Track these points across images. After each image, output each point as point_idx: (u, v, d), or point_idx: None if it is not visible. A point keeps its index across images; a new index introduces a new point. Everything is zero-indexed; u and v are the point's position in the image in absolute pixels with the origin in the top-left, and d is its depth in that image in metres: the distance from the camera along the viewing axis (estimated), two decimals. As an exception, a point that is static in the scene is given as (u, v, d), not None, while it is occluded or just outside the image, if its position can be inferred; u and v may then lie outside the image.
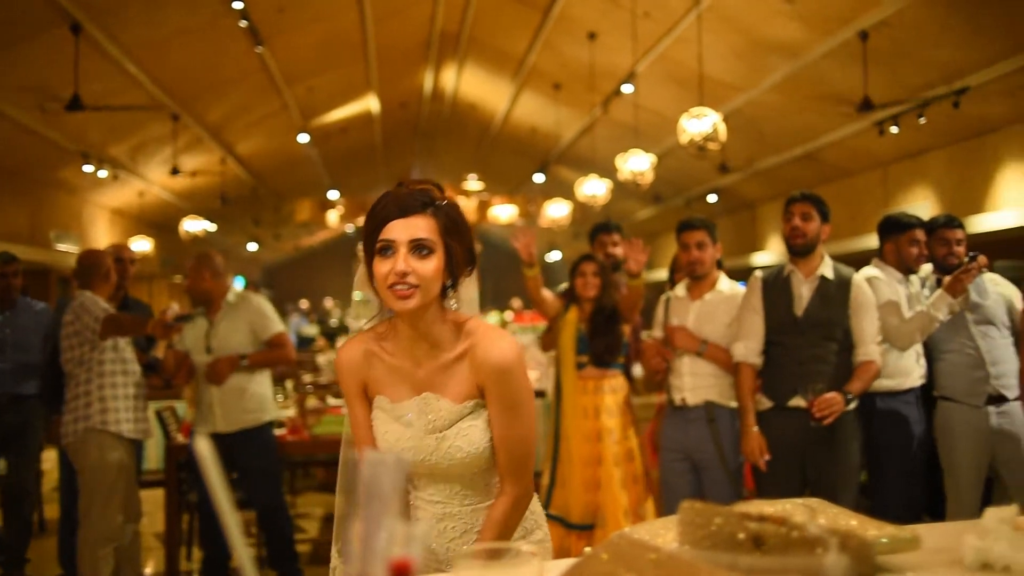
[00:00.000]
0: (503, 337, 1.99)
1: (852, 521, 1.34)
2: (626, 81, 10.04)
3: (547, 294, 5.15)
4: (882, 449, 4.59)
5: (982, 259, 4.41)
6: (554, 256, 22.08)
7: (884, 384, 4.53)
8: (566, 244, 21.25)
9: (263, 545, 5.43)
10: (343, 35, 10.57)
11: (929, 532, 1.44)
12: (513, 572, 0.87)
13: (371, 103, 13.86)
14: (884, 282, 4.55)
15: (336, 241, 26.73)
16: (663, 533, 1.27)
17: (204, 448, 0.81)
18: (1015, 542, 1.23)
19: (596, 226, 5.69)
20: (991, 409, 4.52)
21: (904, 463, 4.57)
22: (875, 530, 1.29)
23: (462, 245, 1.93)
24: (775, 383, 4.19)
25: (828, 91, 9.18)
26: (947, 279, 4.39)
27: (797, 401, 4.01)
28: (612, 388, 4.98)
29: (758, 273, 4.42)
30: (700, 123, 7.22)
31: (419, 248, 1.86)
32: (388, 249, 1.87)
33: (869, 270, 4.65)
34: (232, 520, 0.82)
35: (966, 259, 4.50)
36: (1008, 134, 8.83)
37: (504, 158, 17.94)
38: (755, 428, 4.17)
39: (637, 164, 9.11)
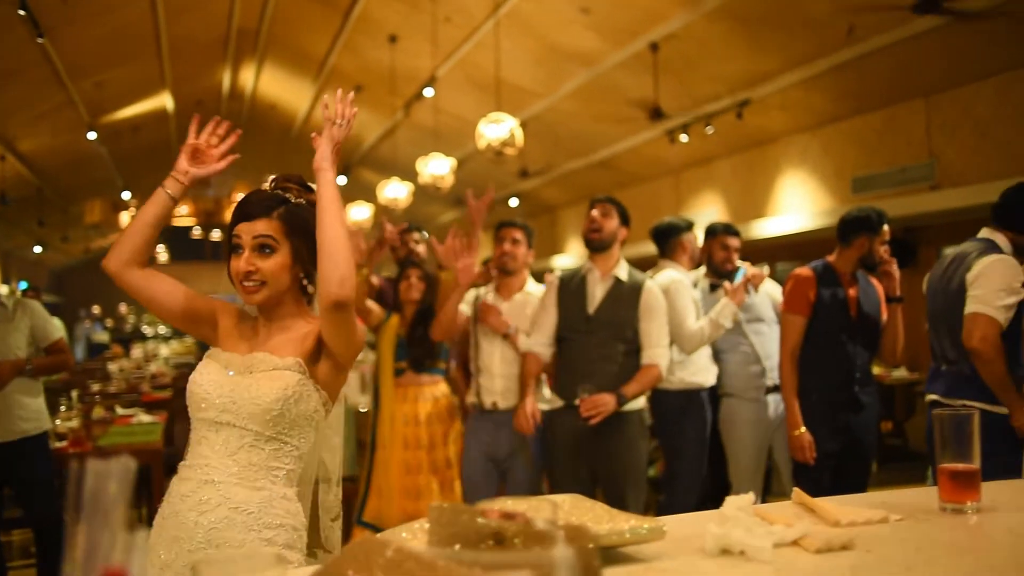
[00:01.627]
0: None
1: (603, 515, 1.39)
2: (427, 85, 10.08)
3: (371, 304, 5.05)
4: (678, 445, 4.81)
5: (760, 273, 4.69)
6: (358, 259, 21.85)
7: (687, 382, 4.77)
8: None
9: (42, 564, 5.13)
10: (134, 28, 10.10)
11: (677, 522, 1.52)
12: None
13: (166, 100, 13.35)
14: (686, 286, 4.75)
15: (130, 244, 25.51)
16: (421, 535, 1.28)
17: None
18: (751, 528, 1.32)
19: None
20: (769, 399, 4.82)
21: (695, 458, 4.81)
22: (624, 522, 1.35)
23: (307, 244, 2.11)
24: (565, 381, 4.27)
25: (622, 99, 9.49)
26: (728, 286, 4.63)
27: (583, 400, 4.09)
28: (433, 395, 4.96)
29: (557, 272, 4.55)
30: (498, 128, 7.30)
31: (262, 247, 2.09)
32: (238, 247, 2.10)
33: (671, 273, 4.81)
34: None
35: (744, 266, 4.80)
36: (786, 144, 9.39)
37: (306, 159, 17.21)
38: (530, 406, 4.22)
39: (437, 168, 9.14)
